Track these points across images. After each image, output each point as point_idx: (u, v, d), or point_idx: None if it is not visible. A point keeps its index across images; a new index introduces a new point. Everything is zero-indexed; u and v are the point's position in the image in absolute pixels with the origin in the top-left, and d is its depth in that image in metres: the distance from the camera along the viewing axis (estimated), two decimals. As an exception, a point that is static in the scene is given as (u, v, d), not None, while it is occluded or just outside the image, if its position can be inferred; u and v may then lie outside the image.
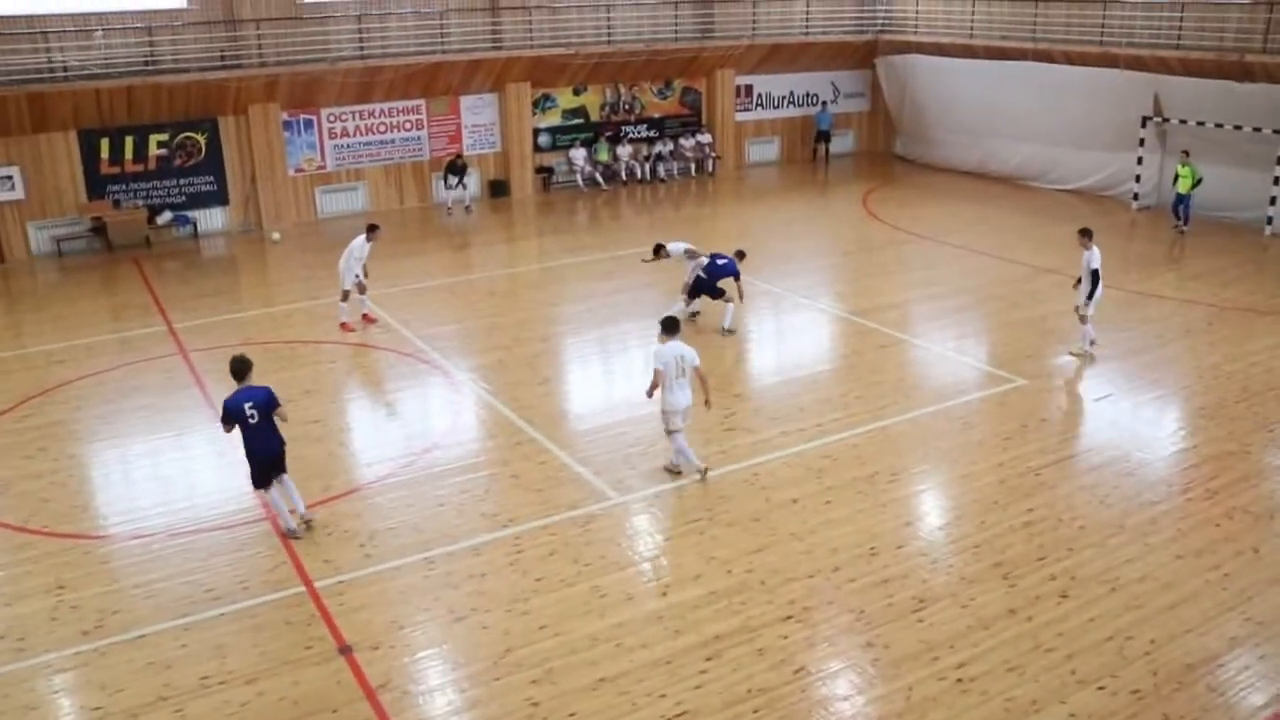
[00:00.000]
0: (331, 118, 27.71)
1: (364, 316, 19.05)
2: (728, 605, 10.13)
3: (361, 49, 27.10)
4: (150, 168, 25.86)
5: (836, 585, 10.43)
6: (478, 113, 29.60)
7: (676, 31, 31.52)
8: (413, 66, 27.30)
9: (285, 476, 11.62)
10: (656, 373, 12.22)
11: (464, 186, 28.20)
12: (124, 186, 25.74)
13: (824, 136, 34.22)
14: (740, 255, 18.48)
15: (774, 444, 13.65)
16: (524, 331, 18.30)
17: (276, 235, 25.38)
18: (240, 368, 11.42)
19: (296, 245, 25.27)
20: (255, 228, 26.73)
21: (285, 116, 27.00)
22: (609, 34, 30.33)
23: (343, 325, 18.67)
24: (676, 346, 12.25)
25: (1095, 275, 15.82)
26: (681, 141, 32.51)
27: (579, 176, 31.01)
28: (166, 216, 26.02)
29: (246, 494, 12.54)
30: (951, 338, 17.66)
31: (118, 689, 9.21)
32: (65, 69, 24.20)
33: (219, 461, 13.66)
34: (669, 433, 12.56)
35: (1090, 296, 15.92)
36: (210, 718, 8.77)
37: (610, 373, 16.91)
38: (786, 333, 18.62)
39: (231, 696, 9.01)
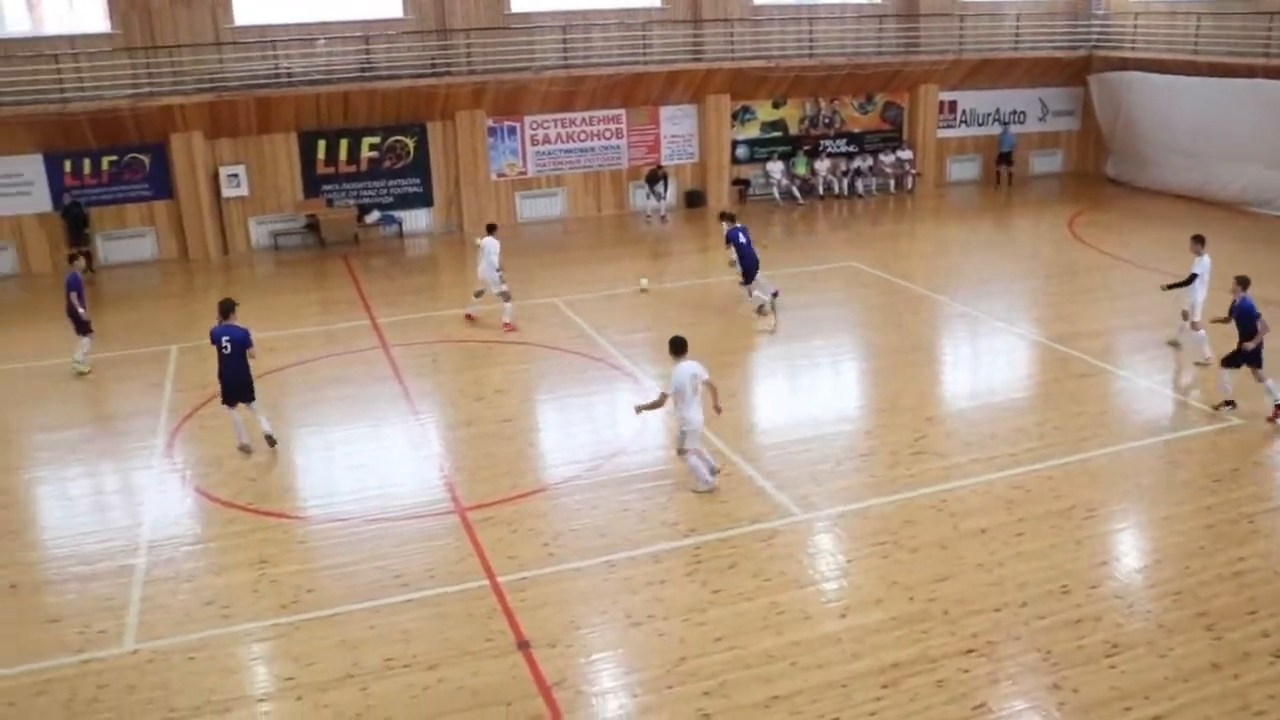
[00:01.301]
0: (534, 125, 28.45)
1: (467, 316, 19.71)
2: (908, 633, 9.84)
3: (565, 59, 27.71)
4: (362, 169, 27.12)
5: (1024, 621, 9.99)
6: (677, 123, 29.87)
7: (880, 45, 31.05)
8: (614, 76, 27.77)
9: (254, 403, 14.13)
10: (663, 396, 12.63)
11: (661, 196, 28.43)
12: (337, 186, 27.07)
13: (1005, 159, 32.91)
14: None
15: (964, 470, 13.21)
16: (714, 341, 18.30)
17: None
18: (226, 307, 14.29)
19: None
20: (457, 229, 27.64)
21: (490, 123, 27.86)
22: (810, 47, 30.13)
23: (505, 325, 19.14)
24: (689, 366, 12.38)
25: (1192, 278, 15.80)
26: (881, 157, 31.99)
27: (775, 190, 30.90)
28: (374, 216, 27.21)
29: (437, 486, 12.98)
30: (1158, 370, 16.73)
31: (309, 662, 9.63)
32: (290, 75, 25.63)
33: (413, 453, 14.17)
34: (681, 452, 12.62)
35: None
36: (393, 698, 9.07)
37: (798, 388, 16.74)
38: (982, 356, 18.04)
39: (414, 680, 9.30)
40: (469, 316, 19.69)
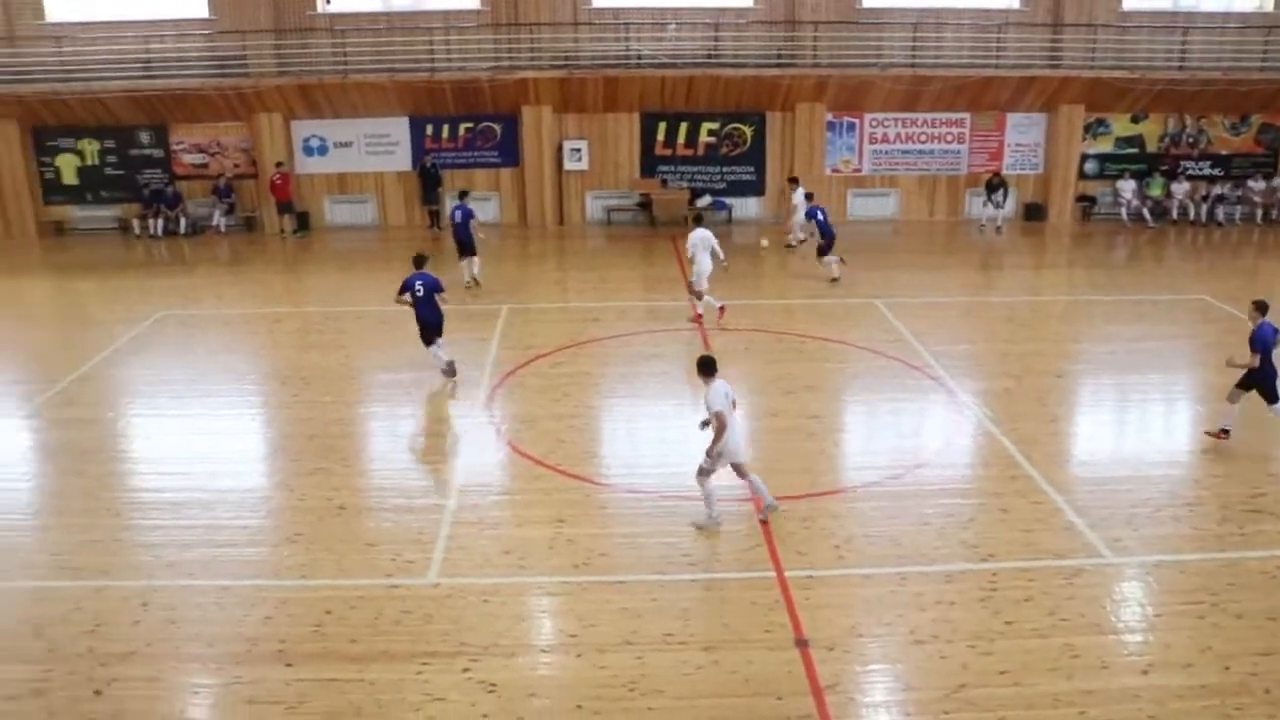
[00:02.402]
0: (874, 122, 27.95)
1: (699, 314, 19.28)
2: (1219, 706, 8.87)
3: (913, 57, 27.00)
4: (699, 153, 27.62)
5: (1370, 714, 8.81)
6: (1024, 132, 28.47)
7: (1264, 59, 28.18)
8: (963, 79, 26.80)
9: (441, 340, 15.80)
10: (719, 415, 11.15)
11: (1000, 205, 27.21)
12: (673, 168, 27.70)
13: None
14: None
15: (1313, 535, 11.81)
16: (1037, 363, 17.31)
17: (765, 243, 25.83)
18: (419, 260, 16.27)
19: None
20: (785, 220, 27.61)
21: (829, 117, 27.62)
22: (1181, 58, 27.79)
23: (720, 309, 19.00)
24: (723, 385, 11.37)
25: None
26: (1250, 184, 29.11)
27: (1124, 210, 28.78)
28: (706, 200, 27.64)
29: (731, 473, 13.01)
30: None
31: (591, 624, 9.89)
32: (639, 57, 26.41)
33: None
34: (704, 472, 11.46)
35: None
36: (666, 672, 9.15)
37: (1125, 422, 15.56)
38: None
39: (689, 659, 9.34)
40: (721, 309, 19.33)
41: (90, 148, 28.20)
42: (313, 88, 26.47)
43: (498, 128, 27.44)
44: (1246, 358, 13.51)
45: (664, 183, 27.62)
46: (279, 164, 27.02)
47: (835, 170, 28.22)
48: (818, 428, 14.63)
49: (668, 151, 27.62)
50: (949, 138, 28.31)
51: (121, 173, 28.29)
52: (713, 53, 26.70)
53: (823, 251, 21.86)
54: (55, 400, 16.15)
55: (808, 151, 27.55)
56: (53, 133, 27.99)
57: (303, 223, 27.80)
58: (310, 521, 12.04)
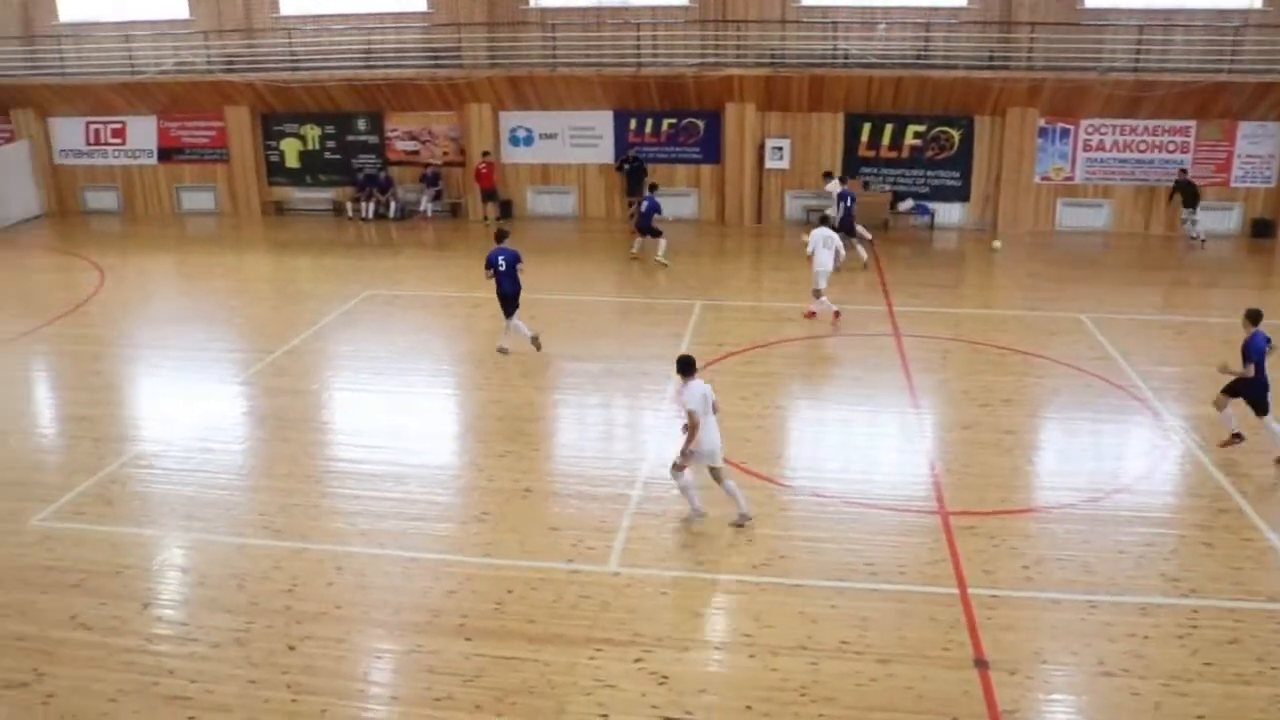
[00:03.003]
0: (1089, 129, 26.72)
1: (832, 314, 19.05)
2: None
3: (1136, 61, 25.67)
4: (902, 156, 27.03)
5: None
6: (1256, 143, 26.63)
7: None
8: (1191, 84, 25.28)
9: (515, 315, 17.08)
10: (692, 414, 11.12)
11: (1192, 220, 25.59)
12: (875, 170, 27.21)
13: None
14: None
15: None
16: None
17: (998, 244, 25.10)
18: (501, 234, 17.45)
19: (1025, 253, 24.91)
20: (989, 228, 26.76)
21: (1041, 122, 26.55)
22: None
23: (835, 314, 18.95)
24: (701, 385, 11.32)
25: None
26: None
27: (1366, 229, 26.66)
28: (908, 204, 27.06)
29: (924, 484, 12.70)
30: None
31: (767, 625, 9.83)
32: (846, 56, 26.05)
33: (905, 446, 13.96)
34: (677, 468, 11.48)
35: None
36: (839, 680, 9.01)
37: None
38: None
39: (863, 669, 9.17)
40: (836, 314, 19.02)
41: (312, 133, 29.85)
42: (522, 80, 27.20)
43: (700, 124, 27.56)
44: (1239, 366, 13.16)
45: (866, 185, 27.16)
46: (485, 153, 27.88)
47: (1045, 178, 27.11)
48: (1012, 443, 14.12)
49: (871, 153, 27.16)
50: (1171, 147, 26.75)
51: (339, 157, 29.83)
52: (922, 53, 26.09)
53: (849, 233, 22.56)
54: (267, 370, 17.12)
55: (1016, 158, 26.58)
56: (279, 118, 29.79)
57: (505, 211, 28.61)
58: (497, 502, 12.40)
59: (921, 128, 26.86)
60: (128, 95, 29.77)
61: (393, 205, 29.09)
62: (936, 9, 26.21)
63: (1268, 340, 13.13)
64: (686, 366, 11.46)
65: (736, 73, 25.99)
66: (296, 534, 11.81)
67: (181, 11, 29.57)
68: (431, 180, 28.94)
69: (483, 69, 27.42)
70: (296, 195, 30.41)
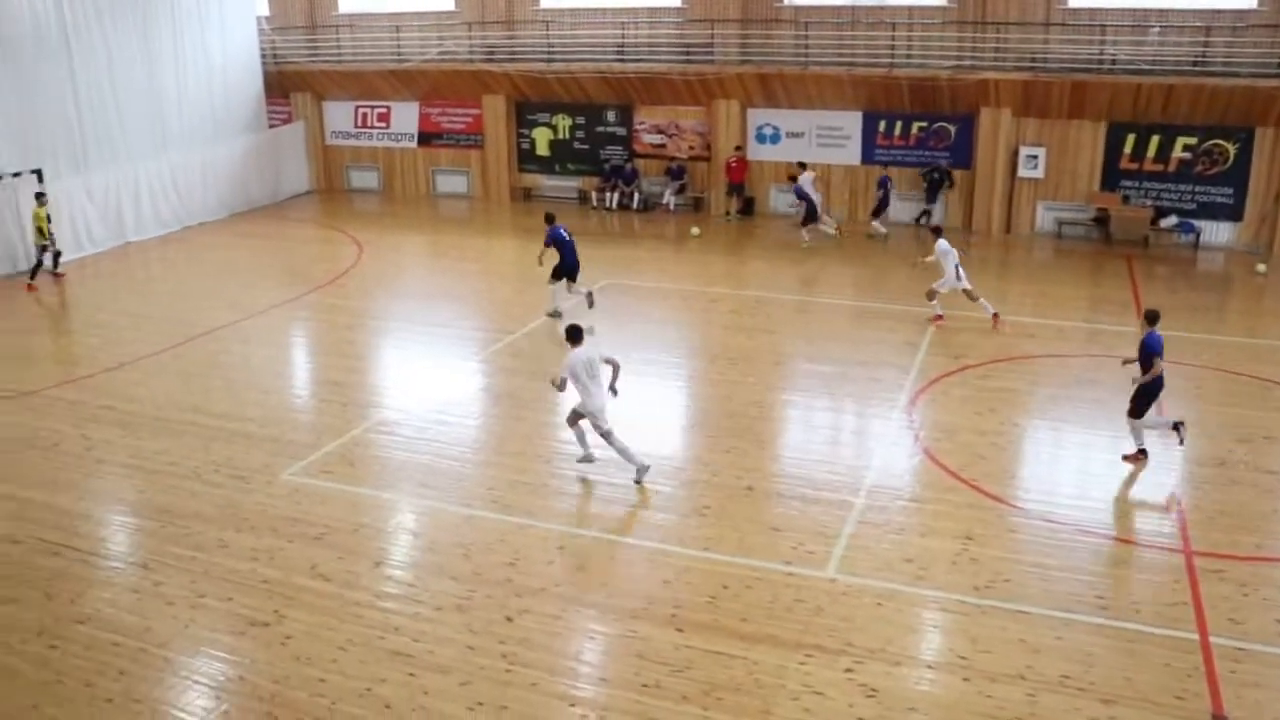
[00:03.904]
0: (1391, 146, 24.38)
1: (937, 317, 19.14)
2: None
3: None
4: (1169, 169, 25.39)
5: None
6: None
7: None
8: None
9: (579, 279, 19.49)
10: (559, 379, 12.52)
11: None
12: (1137, 184, 25.70)
13: None
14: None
15: None
16: None
17: (1262, 267, 23.22)
18: (550, 217, 19.37)
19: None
20: (1263, 250, 24.83)
21: (1335, 138, 24.41)
22: None
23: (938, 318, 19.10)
24: (583, 352, 12.56)
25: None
26: None
27: None
28: (1171, 221, 25.43)
29: (1168, 520, 12.03)
30: None
31: (985, 649, 9.52)
32: (1113, 61, 24.71)
33: (1149, 476, 13.18)
34: (605, 433, 12.72)
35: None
36: (1058, 715, 8.63)
37: None
38: None
39: (1083, 706, 8.75)
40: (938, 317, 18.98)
41: (563, 123, 30.79)
42: (772, 77, 27.16)
43: (952, 128, 26.78)
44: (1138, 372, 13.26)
45: (1125, 199, 25.71)
46: (737, 147, 28.06)
47: (1334, 199, 24.91)
48: (1273, 484, 13.09)
49: (1134, 165, 25.64)
50: None
51: (587, 148, 30.65)
52: (1200, 59, 24.41)
53: (808, 219, 24.64)
54: (505, 350, 17.82)
55: (1302, 175, 24.54)
56: (533, 107, 30.88)
57: (747, 208, 28.69)
58: (719, 497, 12.49)
59: (1193, 140, 25.13)
60: (394, 82, 31.61)
61: (636, 197, 29.64)
62: (1219, 11, 24.45)
63: (1161, 341, 13.30)
64: (573, 335, 12.79)
65: (993, 76, 25.09)
66: (523, 510, 12.27)
67: (448, 4, 31.13)
68: (676, 174, 29.31)
69: (733, 65, 27.55)
70: (545, 183, 31.45)
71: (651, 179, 29.93)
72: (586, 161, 30.79)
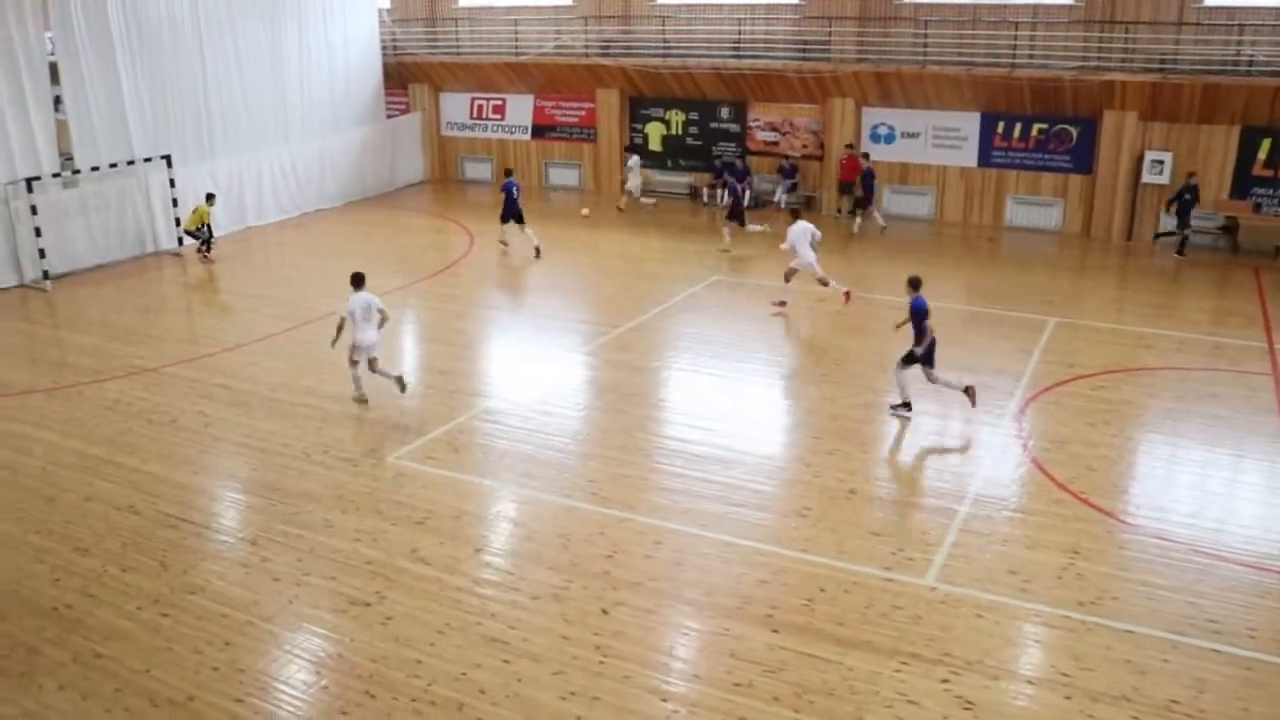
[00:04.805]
0: None
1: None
2: None
3: None
4: (1306, 177, 24.33)
5: None
6: None
7: None
8: None
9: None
10: (341, 318, 15.18)
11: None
12: (1270, 191, 24.66)
13: None
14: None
15: None
16: None
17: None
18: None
19: None
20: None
21: None
22: None
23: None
24: (363, 297, 14.97)
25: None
26: None
27: None
28: (1305, 231, 24.37)
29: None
30: None
31: (1088, 668, 9.25)
32: (1250, 63, 23.75)
33: (1271, 498, 12.65)
34: (352, 363, 15.26)
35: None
36: (1170, 743, 8.36)
37: None
38: None
39: (1198, 735, 8.46)
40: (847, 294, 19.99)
41: (676, 118, 30.80)
42: (889, 76, 26.76)
43: (1074, 131, 26.04)
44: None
45: (1257, 207, 24.69)
46: (849, 145, 27.72)
47: None
48: (1405, 511, 12.48)
49: (1268, 173, 24.57)
50: None
51: (699, 144, 30.61)
52: (1344, 63, 23.34)
53: (732, 216, 24.45)
54: (611, 343, 17.90)
55: None
56: (646, 102, 30.98)
57: (859, 207, 28.30)
58: (820, 499, 12.38)
59: (1334, 146, 24.03)
60: (510, 75, 32.01)
61: (747, 194, 29.49)
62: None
63: (925, 304, 14.61)
64: (355, 280, 15.09)
65: (1120, 78, 24.32)
66: (622, 503, 12.32)
67: (566, -1, 31.45)
68: (788, 172, 29.09)
69: (850, 63, 27.22)
70: (656, 178, 31.47)
71: (763, 176, 29.76)
72: (698, 158, 30.75)
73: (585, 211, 27.71)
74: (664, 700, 8.89)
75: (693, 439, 14.08)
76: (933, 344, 14.57)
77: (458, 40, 33.17)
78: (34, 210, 22.14)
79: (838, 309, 19.91)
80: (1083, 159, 26.09)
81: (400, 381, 15.21)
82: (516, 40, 31.86)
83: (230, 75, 27.49)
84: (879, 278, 22.39)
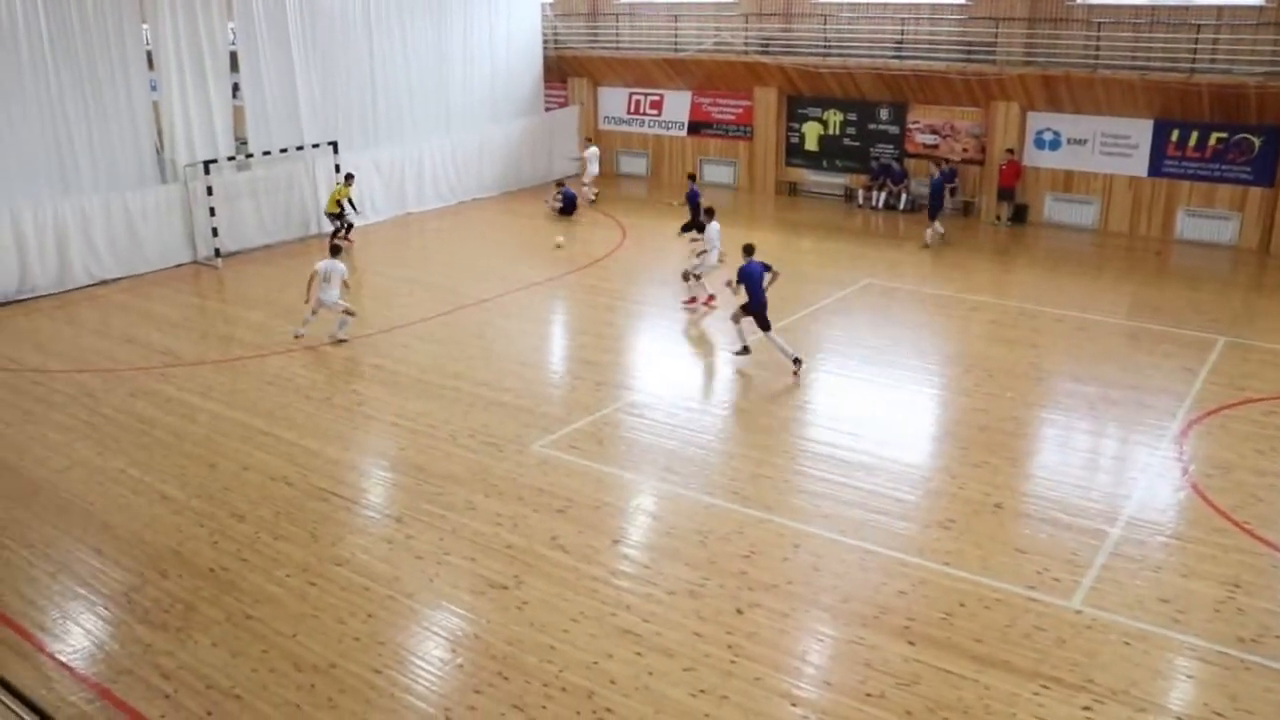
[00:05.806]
0: None
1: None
2: None
3: None
4: None
5: None
6: None
7: None
8: None
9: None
10: (313, 274, 17.54)
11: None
12: None
13: None
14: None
15: None
16: None
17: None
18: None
19: None
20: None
21: None
22: None
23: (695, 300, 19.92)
24: (332, 263, 17.44)
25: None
26: None
27: None
28: None
29: None
30: None
31: (1245, 708, 8.77)
32: None
33: None
34: (314, 312, 17.64)
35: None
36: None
37: None
38: None
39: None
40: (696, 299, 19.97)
41: (834, 118, 30.39)
42: (1057, 80, 25.85)
43: (1256, 141, 24.68)
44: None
45: None
46: (1009, 150, 26.93)
47: None
48: None
49: None
50: None
51: (857, 144, 30.12)
52: None
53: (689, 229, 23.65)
54: (757, 343, 17.76)
55: None
56: (804, 101, 30.66)
57: (1019, 215, 27.49)
58: (965, 512, 12.06)
59: None
60: (668, 70, 32.13)
61: (904, 197, 28.95)
62: None
63: (766, 267, 16.49)
64: (332, 250, 18.13)
65: (1311, 86, 23.01)
66: (762, 504, 12.24)
67: (728, -4, 31.41)
68: (947, 176, 28.38)
69: (1015, 66, 26.41)
70: (810, 177, 31.17)
71: (921, 180, 29.13)
72: (855, 159, 30.27)
73: (560, 240, 25.40)
74: (794, 705, 8.80)
75: (838, 443, 13.89)
76: (763, 305, 16.25)
77: (618, 35, 33.48)
78: (209, 191, 23.29)
79: (994, 319, 19.37)
80: (1265, 170, 24.71)
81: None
82: (676, 36, 31.95)
83: (396, 67, 28.42)
84: (1037, 287, 21.69)
